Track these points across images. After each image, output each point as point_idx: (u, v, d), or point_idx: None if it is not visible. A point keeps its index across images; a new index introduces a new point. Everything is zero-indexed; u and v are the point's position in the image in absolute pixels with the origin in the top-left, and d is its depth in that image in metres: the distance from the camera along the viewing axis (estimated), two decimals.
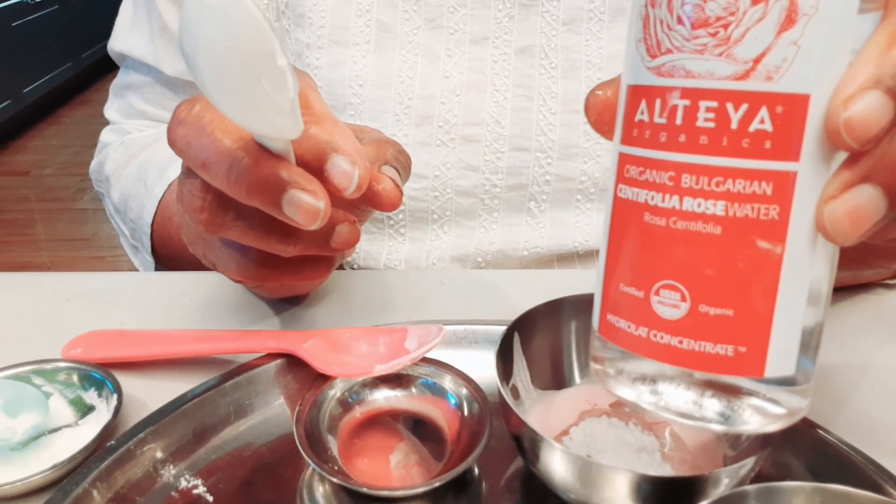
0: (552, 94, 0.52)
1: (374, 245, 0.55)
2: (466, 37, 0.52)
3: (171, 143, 0.30)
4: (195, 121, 0.29)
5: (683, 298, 0.22)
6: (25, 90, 3.06)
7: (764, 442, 0.28)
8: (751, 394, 0.23)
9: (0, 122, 2.88)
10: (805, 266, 0.22)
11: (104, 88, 0.64)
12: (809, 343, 0.23)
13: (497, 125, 0.52)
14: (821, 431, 0.32)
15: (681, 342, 0.22)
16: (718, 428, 0.23)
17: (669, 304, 0.23)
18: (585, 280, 0.51)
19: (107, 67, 0.62)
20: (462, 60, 0.52)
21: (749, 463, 0.27)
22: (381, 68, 0.52)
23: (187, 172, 0.31)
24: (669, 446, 0.31)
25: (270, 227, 0.31)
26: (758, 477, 0.27)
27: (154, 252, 0.55)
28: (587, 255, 0.56)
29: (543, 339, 0.35)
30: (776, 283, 0.22)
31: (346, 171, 0.29)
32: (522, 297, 0.36)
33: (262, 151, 0.28)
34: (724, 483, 0.26)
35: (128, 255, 0.60)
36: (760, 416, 0.23)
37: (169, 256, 0.55)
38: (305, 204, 0.28)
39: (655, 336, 0.23)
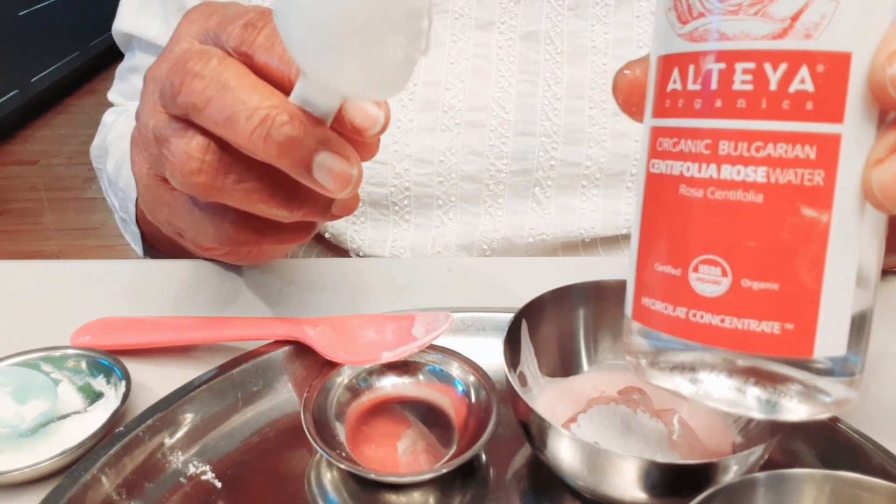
0: (557, 80, 0.52)
1: (380, 232, 0.55)
2: (472, 21, 0.52)
3: (185, 97, 0.28)
4: (216, 75, 0.27)
5: (724, 273, 0.21)
6: (33, 79, 3.06)
7: (773, 429, 0.28)
8: (796, 381, 0.22)
9: (8, 111, 2.89)
10: (853, 235, 0.21)
11: (112, 77, 0.63)
12: (861, 328, 0.22)
13: (502, 110, 0.52)
14: (831, 420, 0.31)
15: (722, 321, 0.21)
16: (762, 416, 0.22)
17: (709, 280, 0.22)
18: (593, 268, 0.51)
19: (114, 56, 0.62)
20: (467, 46, 0.52)
21: (758, 450, 0.26)
22: None
23: (178, 132, 0.29)
24: (678, 433, 0.31)
25: (275, 190, 0.29)
26: (767, 464, 0.27)
27: (139, 224, 0.54)
28: (592, 244, 0.55)
29: (551, 326, 0.35)
30: (823, 254, 0.21)
31: (370, 115, 0.27)
32: (530, 285, 0.36)
33: (297, 110, 0.26)
34: (733, 470, 0.26)
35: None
36: (806, 404, 0.22)
37: (151, 233, 0.53)
38: (338, 169, 0.26)
39: (695, 316, 0.22)
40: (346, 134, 0.28)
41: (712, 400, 0.22)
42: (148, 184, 0.33)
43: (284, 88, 0.27)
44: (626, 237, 0.56)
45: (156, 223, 0.35)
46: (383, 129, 0.28)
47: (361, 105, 0.27)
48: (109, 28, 0.60)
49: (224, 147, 0.29)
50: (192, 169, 0.28)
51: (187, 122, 0.29)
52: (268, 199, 0.29)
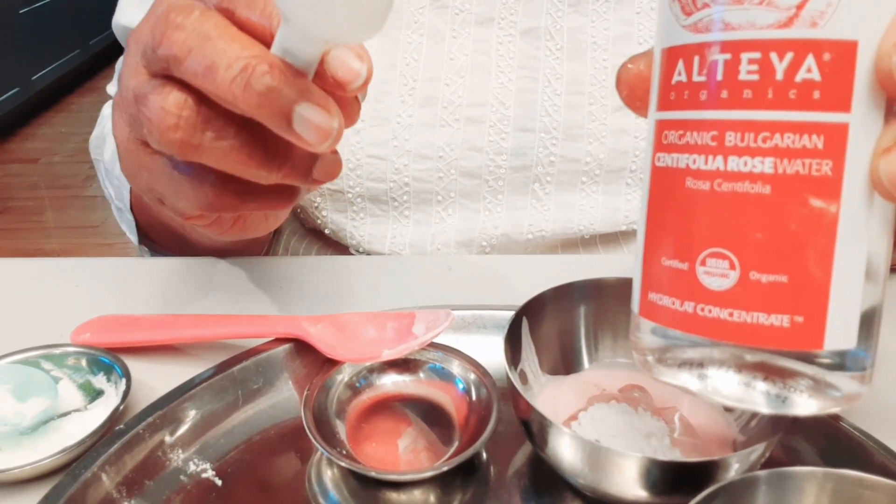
0: (557, 76, 0.52)
1: (379, 227, 0.55)
2: (472, 17, 0.51)
3: (165, 48, 0.27)
4: (196, 27, 0.27)
5: (732, 266, 0.21)
6: (34, 77, 3.06)
7: (775, 427, 0.28)
8: (805, 375, 0.22)
9: (8, 109, 2.89)
10: (862, 226, 0.21)
11: (112, 75, 0.63)
12: (871, 322, 0.22)
13: (501, 106, 0.52)
14: (832, 418, 0.31)
15: (731, 315, 0.21)
16: (771, 411, 0.22)
17: (717, 273, 0.21)
18: (594, 265, 0.51)
19: (115, 54, 0.61)
20: (467, 42, 0.52)
21: (759, 448, 0.26)
22: (386, 49, 0.51)
23: (156, 89, 0.28)
24: (679, 431, 0.31)
25: (253, 148, 0.29)
26: (769, 462, 0.27)
27: (134, 212, 0.53)
28: (591, 241, 0.55)
29: (552, 324, 0.35)
30: (832, 245, 0.20)
31: (353, 67, 0.27)
32: (530, 283, 0.36)
33: (278, 60, 0.26)
34: (734, 468, 0.26)
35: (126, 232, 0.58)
36: (816, 398, 0.22)
37: (145, 221, 0.53)
38: (318, 120, 0.26)
39: (703, 310, 0.22)
40: (328, 89, 0.27)
41: (721, 396, 0.22)
42: (128, 148, 0.33)
43: (266, 43, 0.27)
44: (626, 234, 0.56)
45: (137, 190, 0.35)
46: (365, 84, 0.28)
47: (343, 58, 0.27)
48: (110, 26, 0.59)
49: (202, 103, 0.28)
50: (169, 125, 0.28)
51: (165, 78, 0.29)
52: (246, 158, 0.29)
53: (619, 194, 0.54)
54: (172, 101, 0.28)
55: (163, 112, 0.28)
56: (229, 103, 0.27)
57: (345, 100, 0.29)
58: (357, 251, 0.56)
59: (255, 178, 0.30)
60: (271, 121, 0.27)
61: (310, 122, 0.26)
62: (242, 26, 0.28)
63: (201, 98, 0.28)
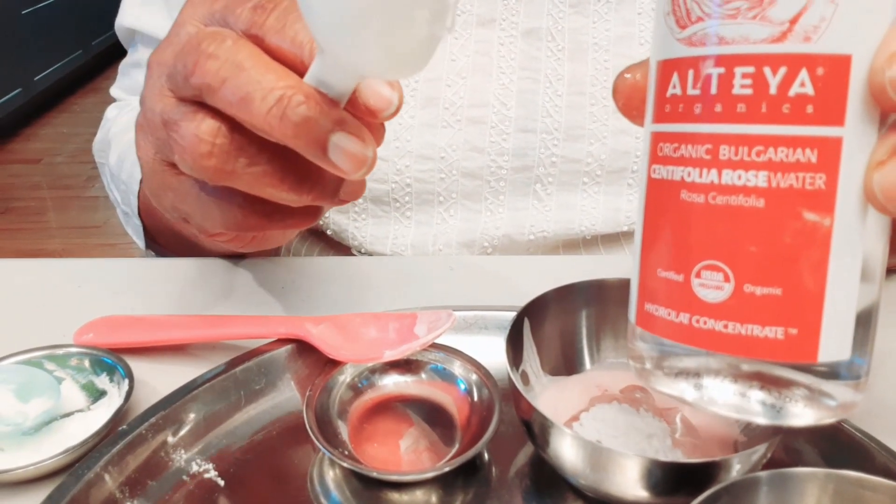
0: (558, 77, 0.52)
1: (381, 228, 0.55)
2: (473, 18, 0.51)
3: (198, 77, 0.27)
4: (230, 56, 0.27)
5: (727, 279, 0.21)
6: (36, 78, 3.07)
7: (776, 428, 0.28)
8: (801, 385, 0.22)
9: (11, 110, 2.89)
10: (856, 239, 0.21)
11: (114, 76, 0.63)
12: (866, 331, 0.22)
13: (503, 107, 0.52)
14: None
15: (726, 326, 0.21)
16: (767, 421, 0.22)
17: (712, 285, 0.21)
18: (595, 266, 0.51)
19: (117, 55, 0.62)
20: (468, 43, 0.52)
21: (761, 449, 0.26)
22: None
23: (187, 116, 0.29)
24: (680, 432, 0.31)
25: (285, 173, 0.29)
26: (770, 463, 0.27)
27: (141, 217, 0.53)
28: (593, 241, 0.55)
29: (554, 324, 0.35)
30: (826, 258, 0.21)
31: (384, 96, 0.27)
32: (532, 283, 0.36)
33: (313, 91, 0.26)
34: (735, 469, 0.26)
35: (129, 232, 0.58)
36: (812, 408, 0.22)
37: (153, 226, 0.53)
38: (353, 149, 0.26)
39: (698, 322, 0.22)
40: (359, 116, 0.28)
41: (717, 406, 0.22)
42: (154, 168, 0.33)
43: (296, 71, 0.27)
44: (627, 235, 0.56)
45: (161, 209, 0.35)
46: (396, 111, 0.28)
47: (375, 86, 0.27)
48: (112, 27, 0.60)
49: (234, 130, 0.28)
50: (203, 152, 0.28)
51: (196, 105, 0.29)
52: (278, 183, 0.29)
53: (620, 195, 0.54)
54: (206, 129, 0.28)
55: (196, 139, 0.28)
56: (265, 133, 0.27)
57: (373, 125, 0.29)
58: (359, 252, 0.56)
59: (285, 201, 0.30)
60: (307, 150, 0.27)
61: (345, 151, 0.26)
62: (272, 54, 0.28)
63: (234, 125, 0.28)
